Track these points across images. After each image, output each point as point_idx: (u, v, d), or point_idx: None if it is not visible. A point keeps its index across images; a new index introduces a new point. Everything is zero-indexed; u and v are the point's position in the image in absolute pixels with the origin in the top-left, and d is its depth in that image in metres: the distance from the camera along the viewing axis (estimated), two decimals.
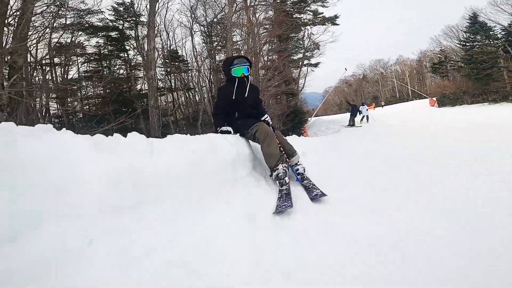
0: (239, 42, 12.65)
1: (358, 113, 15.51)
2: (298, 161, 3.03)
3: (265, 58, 16.07)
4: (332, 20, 22.23)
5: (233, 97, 2.88)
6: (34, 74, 12.33)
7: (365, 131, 10.90)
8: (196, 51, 14.43)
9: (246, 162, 2.57)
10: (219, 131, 2.88)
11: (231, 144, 2.45)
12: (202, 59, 14.49)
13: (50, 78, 13.63)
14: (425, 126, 9.15)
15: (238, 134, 2.88)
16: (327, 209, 2.00)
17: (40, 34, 10.84)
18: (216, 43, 14.26)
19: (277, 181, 2.53)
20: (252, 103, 3.02)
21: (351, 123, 14.96)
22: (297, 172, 2.89)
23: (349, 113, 15.70)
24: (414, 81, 43.40)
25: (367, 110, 16.35)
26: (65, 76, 14.26)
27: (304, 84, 21.06)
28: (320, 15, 21.47)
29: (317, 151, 4.68)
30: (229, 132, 2.82)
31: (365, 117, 16.08)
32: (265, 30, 14.95)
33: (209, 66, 14.47)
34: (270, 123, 3.03)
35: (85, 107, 15.29)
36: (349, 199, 2.20)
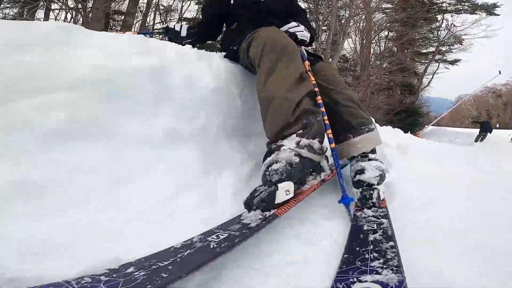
0: (345, 15, 10.23)
1: (490, 131, 12.36)
2: (373, 153, 1.20)
3: (381, 47, 12.98)
4: (489, 9, 16.27)
5: None
6: None
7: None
8: None
9: (191, 107, 0.98)
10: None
11: (142, 51, 0.96)
12: None
13: None
14: None
15: (223, 55, 1.29)
16: None
17: None
18: (320, 22, 12.04)
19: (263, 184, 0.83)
20: (272, 7, 1.37)
21: (479, 139, 12.19)
22: (356, 177, 1.07)
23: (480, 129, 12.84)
24: None
25: None
26: None
27: (429, 82, 16.57)
28: (468, 1, 16.00)
29: (430, 155, 2.49)
30: (180, 39, 1.36)
31: None
32: (383, 15, 11.92)
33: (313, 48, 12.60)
34: (303, 38, 1.24)
35: None
36: None
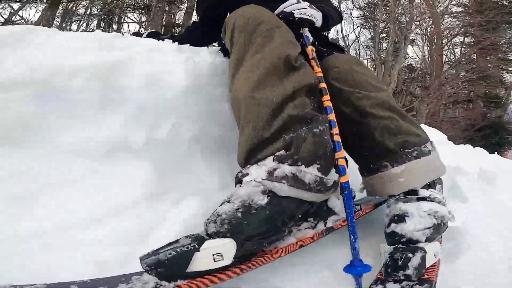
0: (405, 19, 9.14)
1: None
2: (429, 187, 0.72)
3: (456, 53, 11.22)
4: None
5: None
6: None
7: None
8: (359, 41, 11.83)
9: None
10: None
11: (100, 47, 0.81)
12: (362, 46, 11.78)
13: None
14: None
15: (218, 49, 1.01)
16: None
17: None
18: (380, 29, 10.94)
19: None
20: None
21: None
22: (391, 227, 0.68)
23: None
24: None
25: None
26: None
27: None
28: None
29: None
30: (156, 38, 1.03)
31: None
32: (455, 19, 10.36)
33: (370, 56, 11.65)
34: (303, 16, 0.82)
35: None
36: None
